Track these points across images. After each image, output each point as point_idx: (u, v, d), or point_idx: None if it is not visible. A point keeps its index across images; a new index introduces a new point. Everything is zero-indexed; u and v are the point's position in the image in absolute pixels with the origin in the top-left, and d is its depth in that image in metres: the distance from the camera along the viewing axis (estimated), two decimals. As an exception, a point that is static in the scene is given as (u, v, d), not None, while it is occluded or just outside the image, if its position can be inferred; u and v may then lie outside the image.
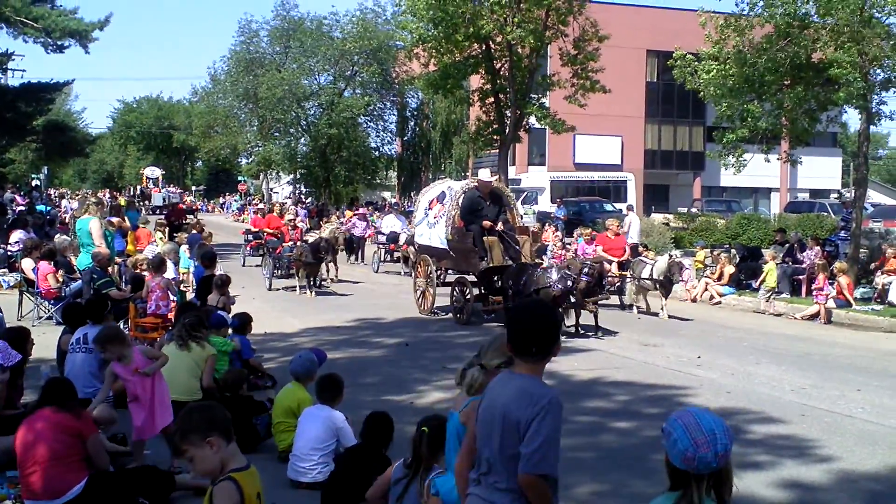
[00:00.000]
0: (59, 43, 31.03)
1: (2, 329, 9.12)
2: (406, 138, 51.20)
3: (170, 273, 13.12)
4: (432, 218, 15.31)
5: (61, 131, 41.54)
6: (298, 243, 19.10)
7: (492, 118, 28.02)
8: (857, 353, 12.52)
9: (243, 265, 23.39)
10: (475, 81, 30.09)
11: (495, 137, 28.10)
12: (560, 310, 12.45)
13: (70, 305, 10.75)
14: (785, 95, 18.39)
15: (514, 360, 4.00)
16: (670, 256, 16.07)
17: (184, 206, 43.67)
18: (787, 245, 20.24)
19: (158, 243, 18.54)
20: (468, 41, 25.56)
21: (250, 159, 54.05)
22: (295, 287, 18.22)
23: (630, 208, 27.03)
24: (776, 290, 17.63)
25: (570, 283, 12.69)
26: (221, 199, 73.22)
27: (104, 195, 51.38)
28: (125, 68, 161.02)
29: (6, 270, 18.25)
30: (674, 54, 19.79)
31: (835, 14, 16.61)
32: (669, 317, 15.41)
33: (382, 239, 25.70)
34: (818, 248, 19.05)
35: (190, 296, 13.45)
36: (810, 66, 18.14)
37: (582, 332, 13.42)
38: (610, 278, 16.55)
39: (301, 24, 46.69)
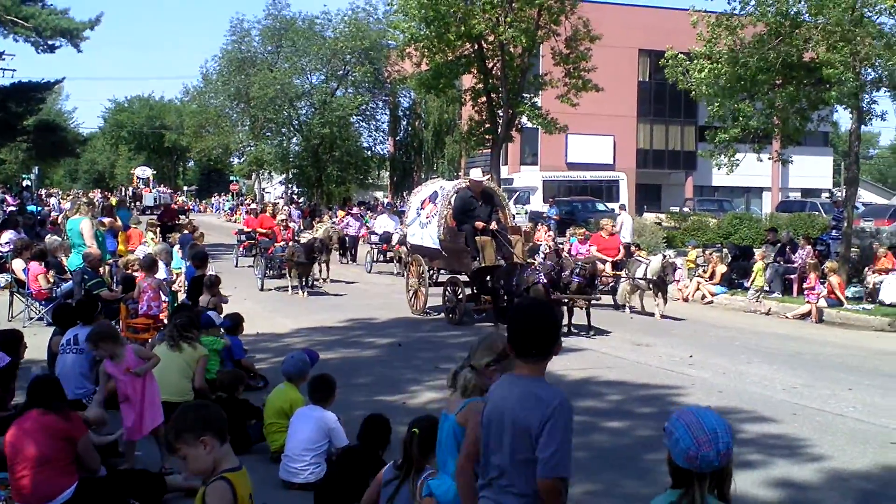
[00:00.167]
0: (49, 43, 30.89)
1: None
2: (398, 138, 51.20)
3: (161, 273, 13.07)
4: (424, 218, 15.29)
5: (52, 131, 41.30)
6: (290, 243, 19.07)
7: (484, 118, 28.00)
8: (848, 352, 12.57)
9: (236, 266, 23.33)
10: (467, 81, 30.07)
11: (487, 137, 28.09)
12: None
13: (60, 306, 10.68)
14: (777, 95, 18.42)
15: (501, 358, 3.99)
16: (664, 256, 16.09)
17: (176, 207, 43.55)
18: (779, 244, 20.30)
19: (150, 244, 18.47)
20: (460, 40, 25.53)
21: (242, 159, 54.00)
22: (287, 287, 18.18)
23: (622, 207, 27.10)
24: (766, 289, 17.70)
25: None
26: (213, 200, 72.97)
27: (95, 195, 51.22)
28: (116, 68, 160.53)
29: (-4, 271, 18.14)
30: (665, 54, 19.80)
31: (826, 13, 16.65)
32: (662, 316, 15.43)
33: (375, 239, 25.67)
34: (809, 247, 19.11)
35: (182, 296, 13.40)
36: (802, 65, 18.18)
37: (574, 331, 13.43)
38: (604, 278, 16.60)
39: (293, 24, 46.64)
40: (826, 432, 7.85)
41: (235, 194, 67.44)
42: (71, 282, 13.28)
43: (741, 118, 18.67)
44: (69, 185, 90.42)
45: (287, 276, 18.42)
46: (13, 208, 31.72)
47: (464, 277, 14.48)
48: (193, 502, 3.53)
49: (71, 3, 62.74)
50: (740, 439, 7.52)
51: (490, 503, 3.42)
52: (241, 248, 24.03)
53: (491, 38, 25.94)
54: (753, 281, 17.44)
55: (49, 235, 19.95)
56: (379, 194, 59.75)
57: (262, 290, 18.64)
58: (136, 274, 12.02)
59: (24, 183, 52.88)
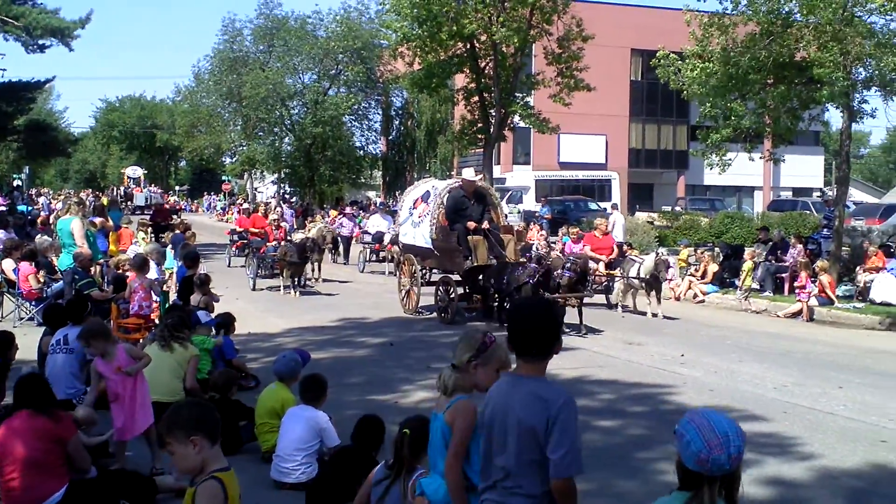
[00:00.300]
0: (40, 42, 30.84)
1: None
2: (391, 137, 51.12)
3: (153, 273, 13.03)
4: (417, 217, 15.28)
5: (43, 131, 41.21)
6: (283, 243, 19.03)
7: (476, 117, 28.03)
8: (838, 350, 12.61)
9: (228, 265, 23.29)
10: (460, 80, 30.11)
11: (480, 136, 28.13)
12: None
13: (50, 306, 10.64)
14: (768, 94, 18.46)
15: (480, 352, 3.96)
16: (657, 255, 16.11)
17: (168, 207, 43.43)
18: (770, 243, 20.35)
19: (141, 243, 18.42)
20: (452, 40, 25.56)
21: (234, 159, 53.84)
22: (279, 287, 18.16)
23: (615, 206, 27.12)
24: (756, 288, 17.75)
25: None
26: (205, 200, 72.73)
27: (87, 195, 51.00)
28: (107, 67, 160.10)
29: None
30: (657, 54, 19.83)
31: (817, 13, 16.70)
32: (656, 315, 15.41)
33: (368, 239, 25.66)
34: (801, 246, 19.19)
35: (173, 296, 13.38)
36: (793, 64, 18.23)
37: (566, 330, 13.43)
38: (597, 277, 16.61)
39: (285, 23, 46.50)
40: (817, 430, 7.87)
41: (227, 194, 67.26)
42: (61, 282, 13.23)
43: (733, 118, 18.71)
44: (60, 184, 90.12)
45: (279, 275, 18.39)
46: (3, 208, 31.60)
47: (456, 277, 14.47)
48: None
49: (62, 2, 62.48)
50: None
51: None
52: (233, 248, 24.00)
53: (483, 38, 25.98)
54: (743, 281, 17.49)
55: (39, 235, 19.86)
56: (371, 194, 59.64)
57: (254, 289, 18.61)
58: (127, 274, 11.99)
59: (15, 183, 52.71)
